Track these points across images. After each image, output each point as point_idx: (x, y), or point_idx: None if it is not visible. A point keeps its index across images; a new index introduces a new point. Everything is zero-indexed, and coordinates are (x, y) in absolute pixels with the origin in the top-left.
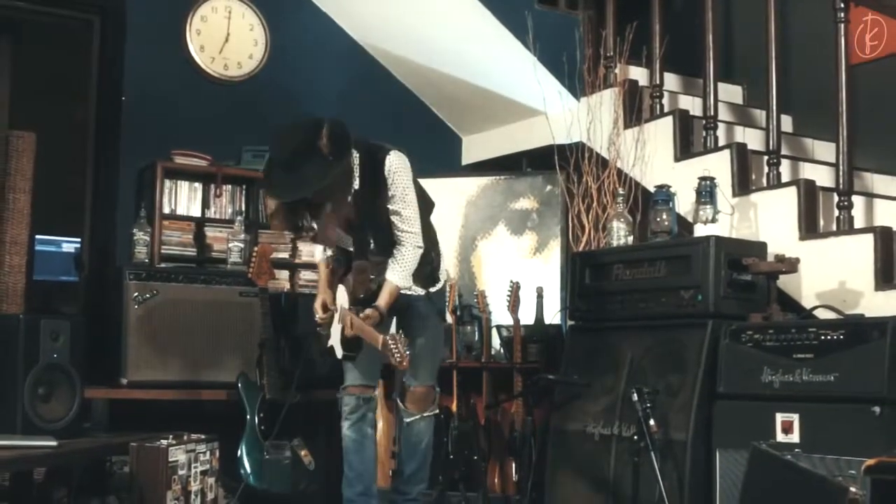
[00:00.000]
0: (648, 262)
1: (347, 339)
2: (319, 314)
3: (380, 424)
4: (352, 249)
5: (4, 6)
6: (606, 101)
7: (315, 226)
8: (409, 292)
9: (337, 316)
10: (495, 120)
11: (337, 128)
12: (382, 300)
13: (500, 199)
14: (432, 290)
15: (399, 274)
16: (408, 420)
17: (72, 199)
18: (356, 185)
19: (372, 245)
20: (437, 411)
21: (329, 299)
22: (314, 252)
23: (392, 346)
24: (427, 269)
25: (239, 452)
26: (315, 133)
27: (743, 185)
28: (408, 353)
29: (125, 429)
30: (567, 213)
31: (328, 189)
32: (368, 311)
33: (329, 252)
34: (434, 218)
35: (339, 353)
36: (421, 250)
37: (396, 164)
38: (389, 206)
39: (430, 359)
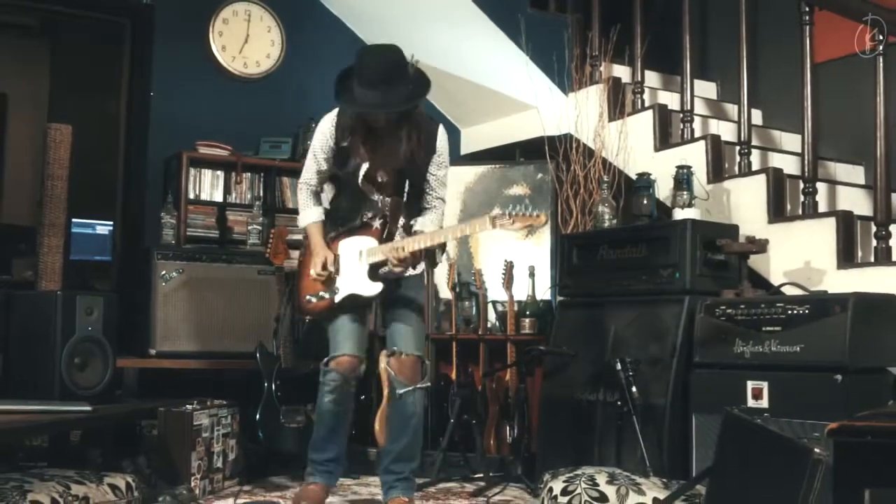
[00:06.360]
0: (631, 243)
1: (373, 267)
2: (317, 270)
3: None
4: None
5: (45, 10)
6: (592, 97)
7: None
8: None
9: (359, 259)
10: (491, 113)
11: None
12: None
13: (495, 186)
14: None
15: (436, 223)
16: (401, 391)
17: (105, 186)
18: (413, 139)
19: (405, 198)
20: (430, 384)
21: (330, 259)
22: (300, 219)
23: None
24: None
25: (257, 416)
26: (404, 58)
27: (717, 172)
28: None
29: (154, 395)
30: (557, 198)
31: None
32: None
33: (317, 217)
34: None
35: (361, 290)
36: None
37: (446, 137)
38: (431, 171)
39: (421, 331)
